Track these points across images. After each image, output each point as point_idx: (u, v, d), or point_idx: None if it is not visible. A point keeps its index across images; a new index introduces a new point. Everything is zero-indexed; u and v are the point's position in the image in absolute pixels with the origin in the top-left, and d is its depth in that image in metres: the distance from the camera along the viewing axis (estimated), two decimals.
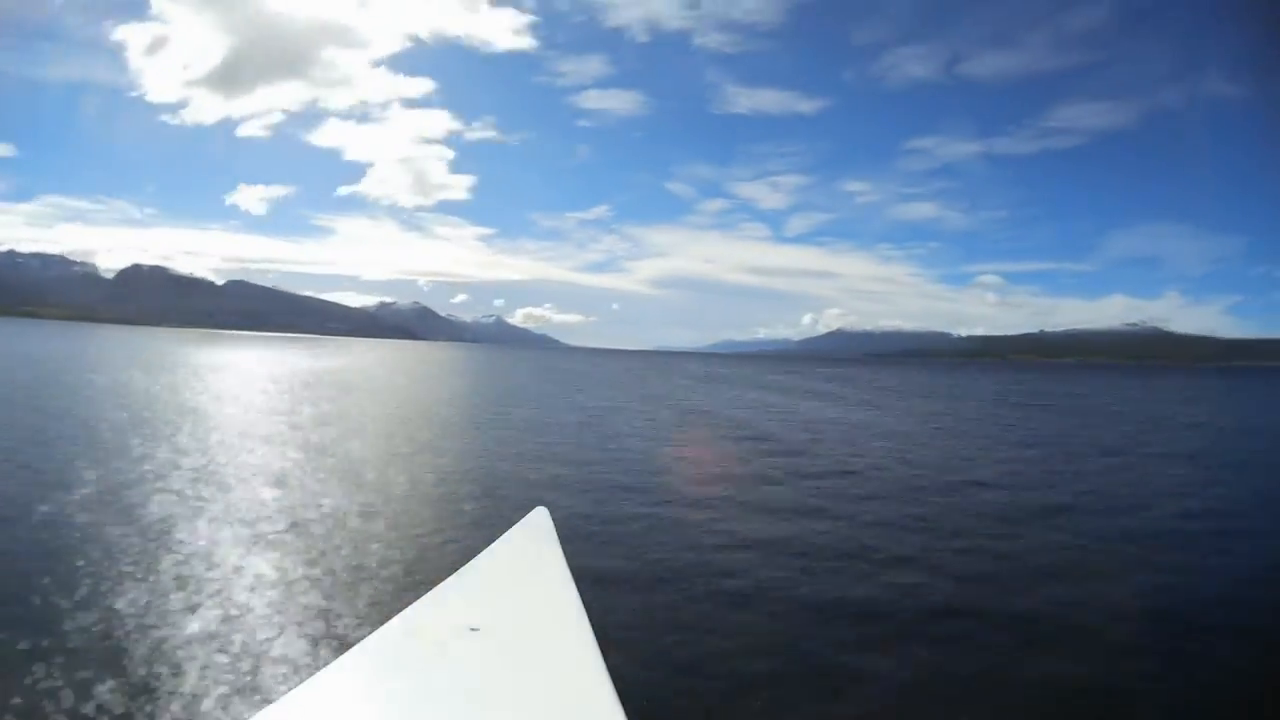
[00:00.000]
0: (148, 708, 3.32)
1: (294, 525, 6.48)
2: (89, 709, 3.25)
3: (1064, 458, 13.57)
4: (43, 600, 4.38)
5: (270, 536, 6.07)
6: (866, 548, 6.74)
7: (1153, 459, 14.02)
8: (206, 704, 3.38)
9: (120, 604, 4.41)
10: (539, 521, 2.25)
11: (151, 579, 4.89)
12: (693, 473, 10.62)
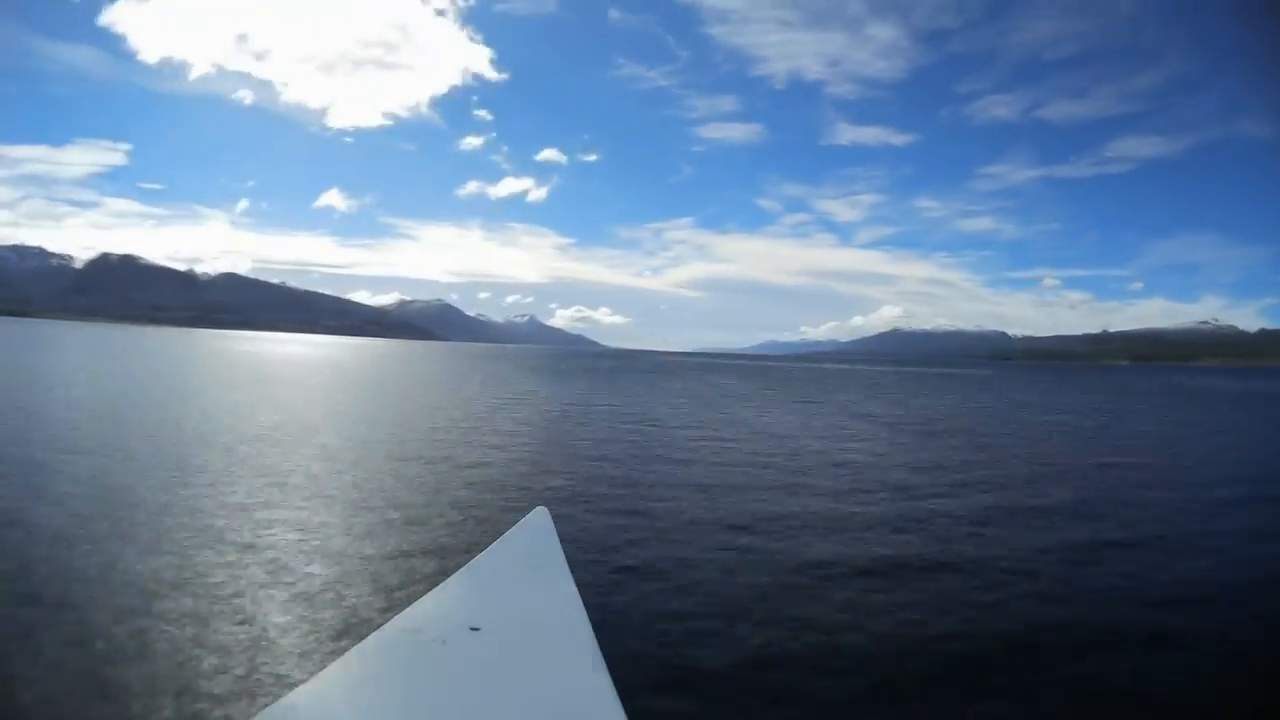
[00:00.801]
0: (152, 704, 3.33)
1: (289, 527, 6.49)
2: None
3: None
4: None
5: (264, 539, 6.08)
6: (868, 547, 6.74)
7: None
8: (207, 701, 3.38)
9: (111, 607, 4.42)
10: (539, 521, 2.25)
11: (162, 569, 4.91)
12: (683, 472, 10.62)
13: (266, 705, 1.27)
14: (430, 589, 1.76)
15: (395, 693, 1.35)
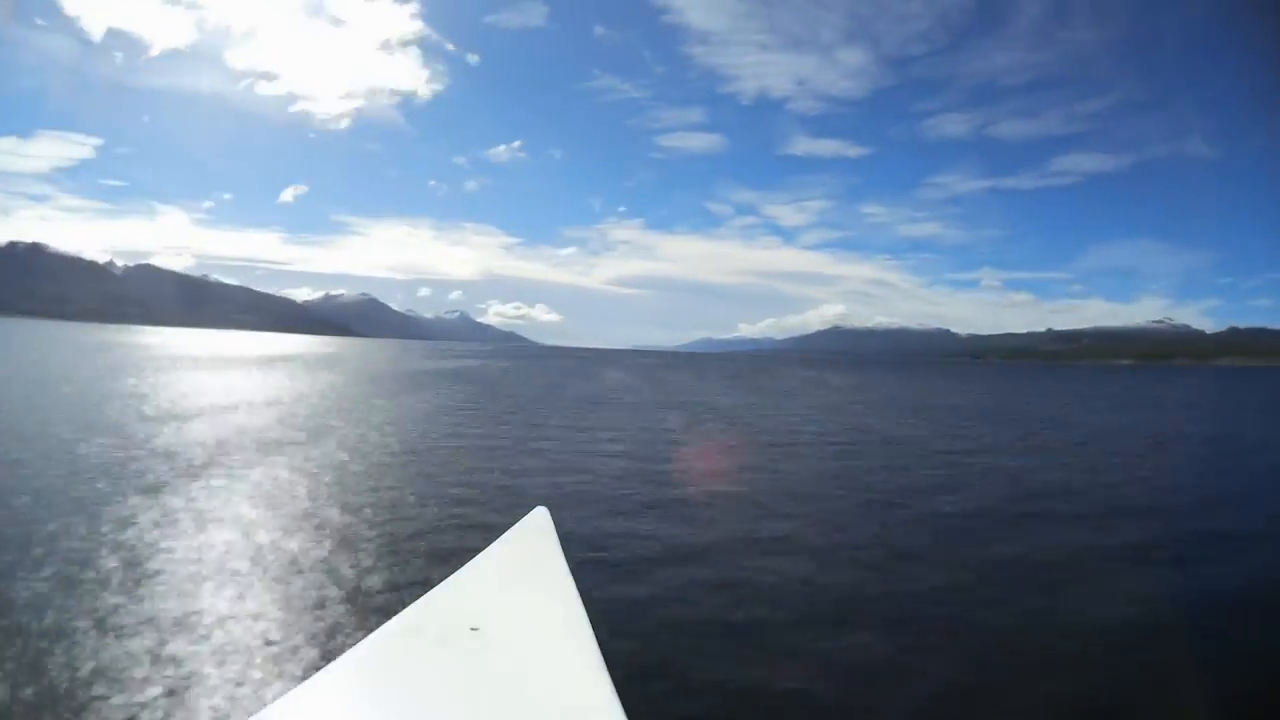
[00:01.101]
0: (157, 703, 3.33)
1: (287, 528, 6.49)
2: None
3: None
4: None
5: (265, 538, 6.08)
6: (869, 547, 6.74)
7: None
8: (209, 700, 3.39)
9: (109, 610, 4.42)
10: (539, 521, 2.25)
11: (152, 571, 4.91)
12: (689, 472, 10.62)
13: (266, 705, 1.27)
14: (430, 589, 1.76)
15: (395, 693, 1.35)
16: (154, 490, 7.45)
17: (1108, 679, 4.21)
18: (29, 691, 3.38)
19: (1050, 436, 17.22)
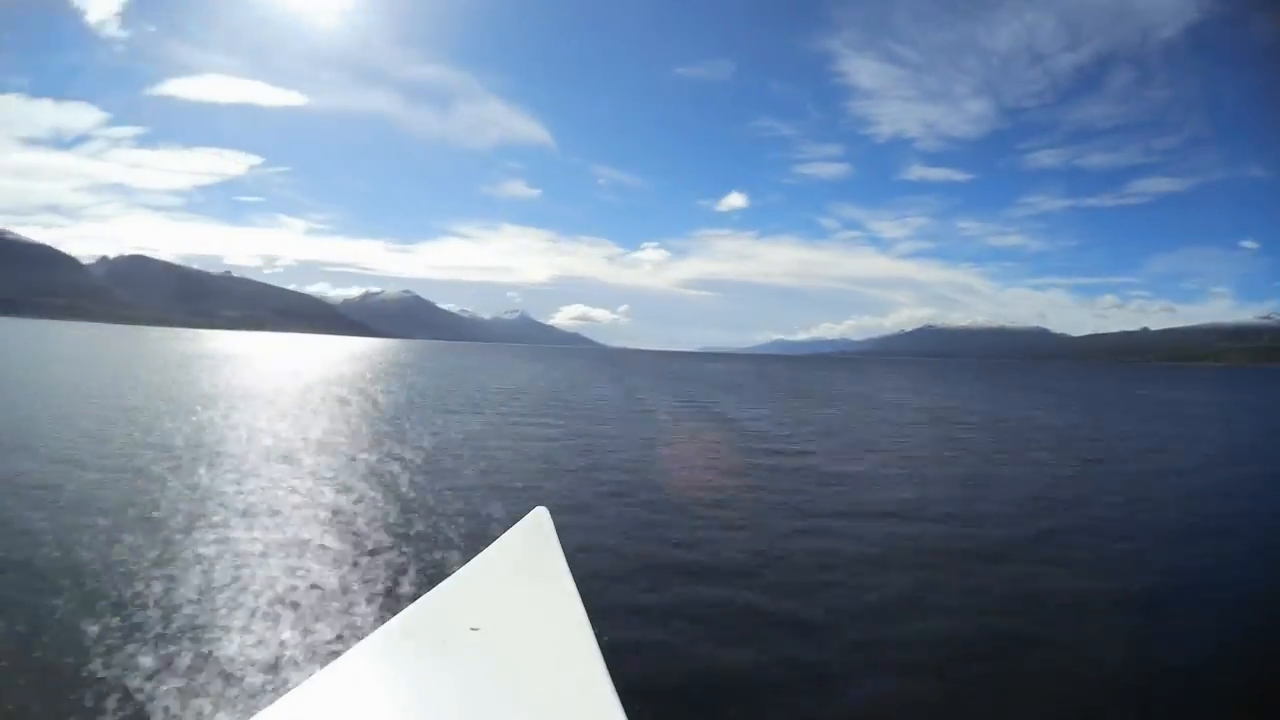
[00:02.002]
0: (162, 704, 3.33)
1: (288, 527, 6.49)
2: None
3: None
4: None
5: (262, 539, 6.07)
6: (869, 546, 6.73)
7: None
8: (211, 698, 3.39)
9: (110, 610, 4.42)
10: (539, 521, 2.24)
11: (155, 565, 4.91)
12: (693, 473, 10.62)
13: (266, 705, 1.27)
14: (430, 589, 1.76)
15: (395, 693, 1.35)
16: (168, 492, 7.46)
17: None
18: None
19: None
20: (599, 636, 1.53)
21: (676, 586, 5.43)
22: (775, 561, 6.17)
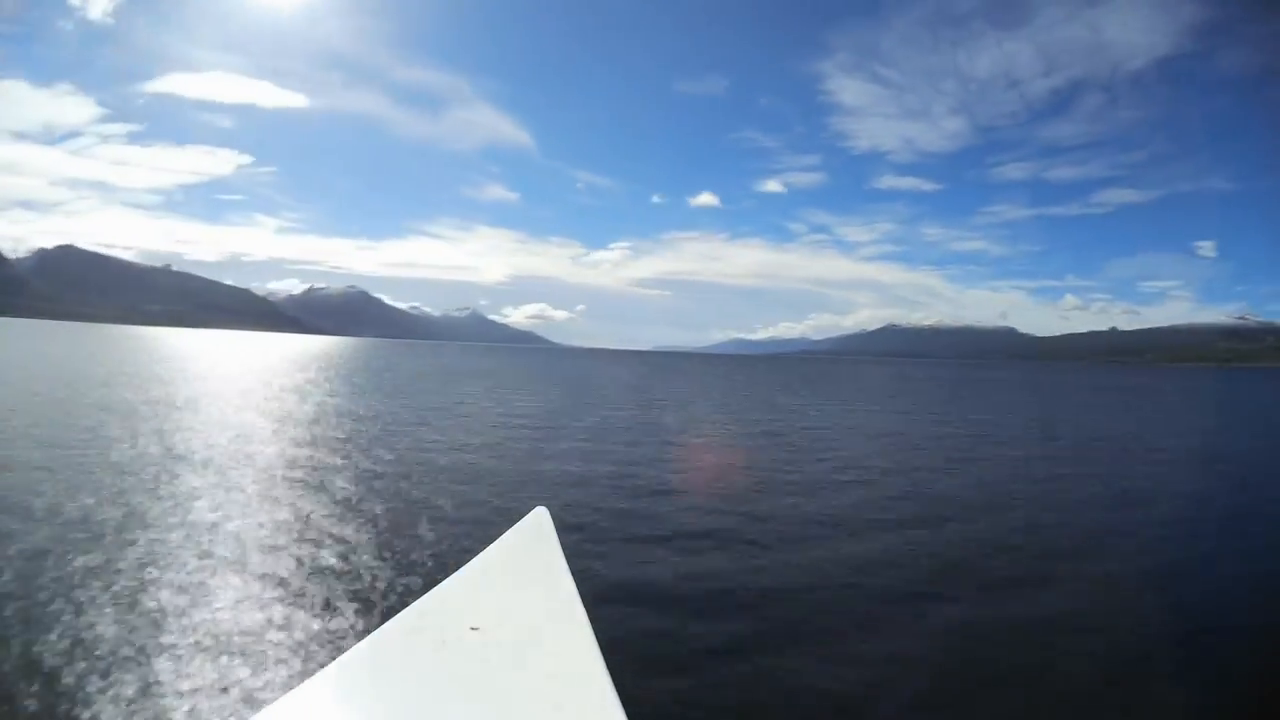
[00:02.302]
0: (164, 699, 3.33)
1: (290, 527, 6.49)
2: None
3: None
4: None
5: (266, 539, 6.08)
6: (870, 546, 6.74)
7: None
8: (214, 695, 3.39)
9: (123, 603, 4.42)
10: (539, 521, 2.24)
11: (156, 562, 4.91)
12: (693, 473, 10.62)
13: (266, 705, 1.27)
14: (430, 589, 1.76)
15: (395, 693, 1.35)
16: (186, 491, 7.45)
17: None
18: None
19: None
20: (599, 637, 1.53)
21: (677, 585, 5.44)
22: (776, 557, 6.18)
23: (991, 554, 6.68)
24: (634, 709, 1.27)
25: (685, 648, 4.39)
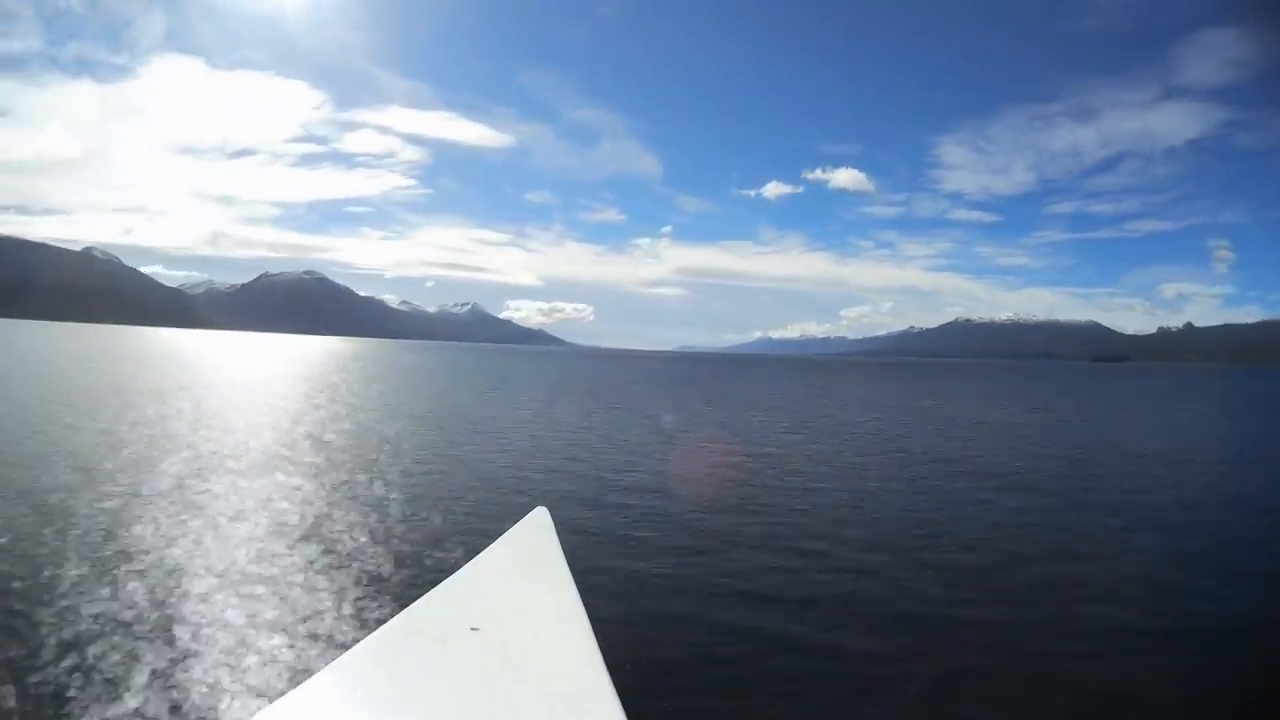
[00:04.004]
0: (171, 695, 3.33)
1: (294, 528, 6.49)
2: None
3: None
4: None
5: (265, 540, 6.08)
6: (868, 546, 6.74)
7: None
8: (219, 692, 3.39)
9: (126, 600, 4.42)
10: (539, 521, 2.24)
11: (170, 554, 4.91)
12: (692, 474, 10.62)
13: (266, 705, 1.27)
14: (430, 589, 1.76)
15: (395, 693, 1.35)
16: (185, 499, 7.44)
17: None
18: None
19: None
20: (599, 636, 1.53)
21: (677, 585, 5.43)
22: (775, 557, 6.18)
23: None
24: (634, 709, 1.27)
25: (687, 647, 4.39)
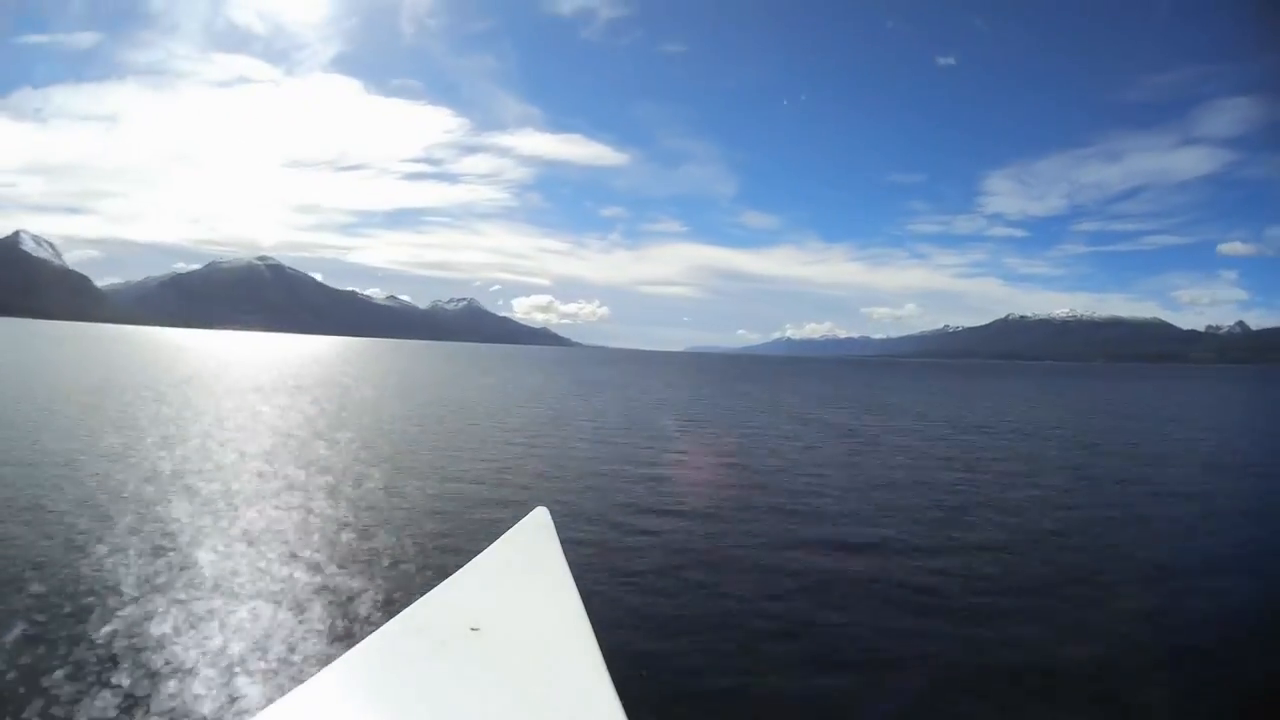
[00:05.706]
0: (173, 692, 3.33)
1: (295, 527, 6.49)
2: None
3: None
4: None
5: (268, 541, 6.08)
6: (867, 547, 6.73)
7: None
8: (221, 690, 3.39)
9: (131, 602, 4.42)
10: (539, 521, 2.24)
11: (169, 560, 4.91)
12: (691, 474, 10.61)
13: (266, 705, 1.27)
14: (430, 589, 1.76)
15: (395, 693, 1.35)
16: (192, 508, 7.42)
17: None
18: None
19: None
20: (599, 636, 1.53)
21: (677, 585, 5.42)
22: (774, 557, 6.17)
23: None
24: (634, 709, 1.27)
25: (687, 647, 4.38)
